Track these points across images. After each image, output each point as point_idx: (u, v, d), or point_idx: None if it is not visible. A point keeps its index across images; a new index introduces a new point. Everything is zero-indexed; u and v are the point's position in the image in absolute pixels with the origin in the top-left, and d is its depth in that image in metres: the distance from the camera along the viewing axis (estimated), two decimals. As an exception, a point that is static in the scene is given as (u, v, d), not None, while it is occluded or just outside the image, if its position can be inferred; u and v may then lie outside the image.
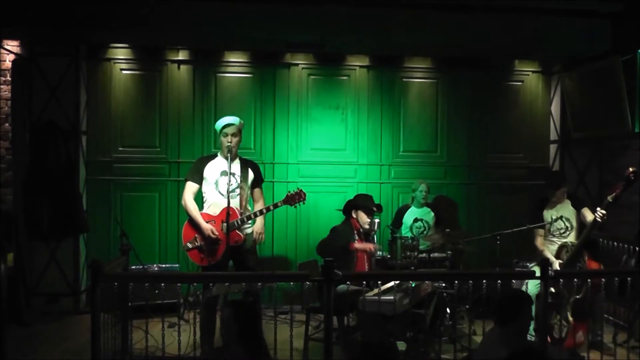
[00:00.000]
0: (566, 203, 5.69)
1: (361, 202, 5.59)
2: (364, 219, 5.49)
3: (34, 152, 6.47)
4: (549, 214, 5.73)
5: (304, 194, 5.24)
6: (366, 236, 5.58)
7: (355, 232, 5.49)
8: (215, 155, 5.30)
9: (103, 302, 3.98)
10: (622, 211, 5.86)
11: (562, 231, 5.62)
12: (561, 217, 5.66)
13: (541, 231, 5.78)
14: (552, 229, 5.68)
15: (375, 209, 5.60)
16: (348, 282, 5.02)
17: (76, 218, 6.50)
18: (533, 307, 5.26)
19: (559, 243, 5.54)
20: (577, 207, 5.63)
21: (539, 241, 5.78)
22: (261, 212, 5.16)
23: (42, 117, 6.49)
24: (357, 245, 5.44)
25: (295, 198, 5.21)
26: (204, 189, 5.21)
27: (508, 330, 3.59)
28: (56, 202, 6.42)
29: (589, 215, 5.40)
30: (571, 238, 5.57)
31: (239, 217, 5.04)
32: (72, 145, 6.58)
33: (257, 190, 5.37)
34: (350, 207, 5.59)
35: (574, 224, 5.61)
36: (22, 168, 6.50)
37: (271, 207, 5.22)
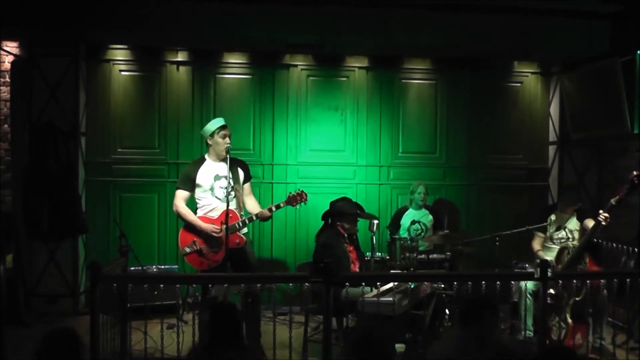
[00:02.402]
0: (572, 215, 5.70)
1: (342, 210, 5.42)
2: (347, 226, 5.40)
3: (34, 153, 6.45)
4: (554, 221, 5.73)
5: (306, 195, 5.23)
6: (350, 237, 5.52)
7: (343, 239, 5.38)
8: (203, 159, 5.24)
9: (102, 303, 3.98)
10: (622, 213, 5.86)
11: (562, 240, 5.63)
12: (565, 228, 5.66)
13: (540, 233, 5.79)
14: (553, 236, 5.68)
15: (359, 212, 5.53)
16: (363, 284, 5.01)
17: (75, 219, 6.50)
18: (530, 303, 5.32)
19: (559, 247, 5.55)
20: (581, 219, 5.63)
21: (537, 242, 5.79)
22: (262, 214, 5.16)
23: (42, 118, 6.48)
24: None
25: (297, 199, 5.19)
26: (198, 195, 5.17)
27: (466, 333, 3.57)
28: (55, 203, 6.41)
29: (590, 224, 5.40)
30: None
31: (239, 219, 5.03)
32: (71, 146, 6.57)
33: (247, 186, 5.32)
34: (334, 216, 5.44)
35: (576, 236, 5.61)
36: (21, 169, 6.49)
37: (273, 209, 5.20)
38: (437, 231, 6.47)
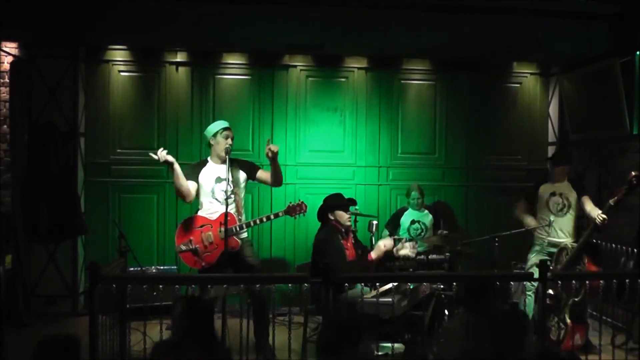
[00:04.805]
0: (567, 184, 5.68)
1: (335, 202, 5.45)
2: (344, 217, 5.36)
3: (33, 153, 6.45)
4: (547, 190, 5.72)
5: (305, 207, 5.22)
6: (347, 232, 5.52)
7: (339, 234, 5.37)
8: (205, 162, 5.25)
9: (101, 304, 3.98)
10: (621, 213, 5.87)
11: (559, 207, 5.60)
12: (560, 195, 5.63)
13: (524, 201, 5.78)
14: (549, 203, 5.65)
15: (349, 203, 5.54)
16: (362, 284, 5.01)
17: (74, 220, 6.49)
18: (531, 299, 5.34)
19: (557, 223, 5.52)
20: (579, 192, 5.62)
21: (520, 208, 5.81)
22: (261, 220, 5.18)
23: (41, 118, 6.48)
24: (374, 255, 5.19)
25: (296, 209, 5.19)
26: (199, 196, 5.17)
27: (477, 319, 3.52)
28: (55, 204, 6.40)
29: (588, 205, 5.41)
30: (569, 218, 5.55)
31: (237, 223, 5.03)
32: (70, 147, 6.57)
33: (260, 172, 5.30)
34: (326, 211, 5.44)
35: (573, 203, 5.57)
36: (20, 170, 6.49)
37: (271, 217, 5.21)
38: (437, 230, 6.49)
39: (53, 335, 2.96)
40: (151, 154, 4.94)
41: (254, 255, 5.33)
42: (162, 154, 4.88)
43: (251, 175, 5.30)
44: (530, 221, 5.71)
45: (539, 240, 5.72)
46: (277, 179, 5.20)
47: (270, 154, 4.96)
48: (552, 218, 5.58)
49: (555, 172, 5.78)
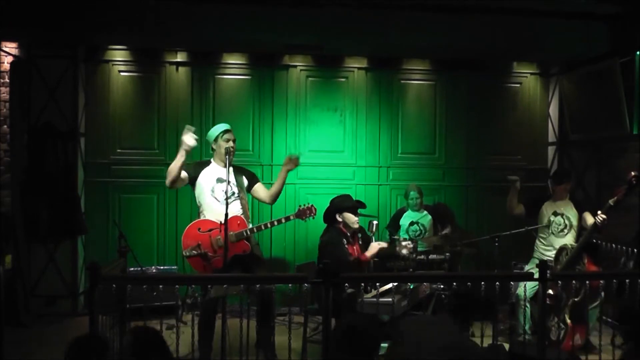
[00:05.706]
0: (568, 203, 5.69)
1: (343, 203, 5.43)
2: (352, 219, 5.35)
3: (32, 154, 6.46)
4: (549, 209, 5.72)
5: (315, 210, 5.20)
6: (354, 236, 5.51)
7: (344, 238, 5.35)
8: (209, 162, 5.23)
9: (101, 304, 3.98)
10: (621, 213, 5.86)
11: (560, 227, 5.61)
12: (562, 215, 5.65)
13: (515, 192, 5.80)
14: (551, 225, 5.67)
15: (358, 205, 5.53)
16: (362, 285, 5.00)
17: (74, 220, 6.49)
18: (528, 310, 5.33)
19: (557, 243, 5.53)
20: (580, 210, 5.64)
21: (512, 196, 5.81)
22: (272, 223, 5.15)
23: (41, 119, 6.48)
24: (368, 254, 5.27)
25: (306, 212, 5.18)
26: (198, 196, 5.15)
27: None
28: (54, 204, 6.41)
29: (589, 219, 5.40)
30: (569, 238, 5.56)
31: (248, 227, 5.01)
32: (70, 147, 6.57)
33: (258, 185, 5.30)
34: (333, 212, 5.42)
35: (574, 223, 5.60)
36: (20, 170, 6.49)
37: (283, 220, 5.18)
38: (437, 230, 6.49)
39: (85, 334, 2.95)
40: (188, 127, 4.86)
41: (261, 254, 5.32)
42: (192, 137, 4.81)
43: (250, 185, 5.29)
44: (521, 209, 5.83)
45: (537, 254, 5.74)
46: (276, 196, 5.26)
47: (292, 166, 5.13)
48: (551, 239, 5.64)
49: (556, 190, 5.77)
